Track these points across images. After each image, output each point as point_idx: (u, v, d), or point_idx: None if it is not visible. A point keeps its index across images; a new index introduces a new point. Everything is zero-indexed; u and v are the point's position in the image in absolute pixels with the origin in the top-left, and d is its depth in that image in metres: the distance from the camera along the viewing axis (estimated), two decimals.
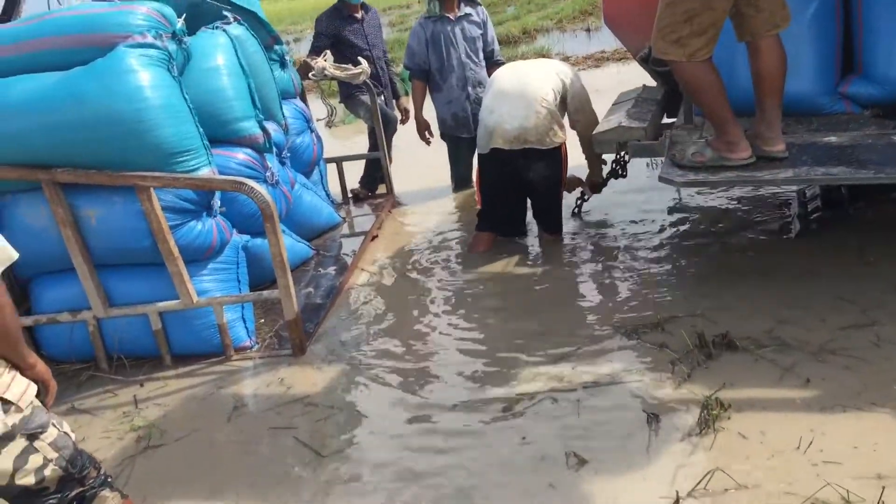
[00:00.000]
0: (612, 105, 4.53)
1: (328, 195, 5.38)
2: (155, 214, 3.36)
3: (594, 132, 4.10)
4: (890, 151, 3.34)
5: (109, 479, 2.34)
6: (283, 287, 3.42)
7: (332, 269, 4.43)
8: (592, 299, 3.68)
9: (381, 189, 5.73)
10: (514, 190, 4.37)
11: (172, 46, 3.58)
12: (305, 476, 2.63)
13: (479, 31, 5.42)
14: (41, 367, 2.20)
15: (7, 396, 2.04)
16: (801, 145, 3.56)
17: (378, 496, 2.47)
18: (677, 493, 2.21)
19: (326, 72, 5.14)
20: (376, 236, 4.91)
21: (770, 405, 2.59)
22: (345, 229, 5.16)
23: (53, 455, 2.11)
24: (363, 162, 5.80)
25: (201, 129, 3.55)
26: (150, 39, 3.45)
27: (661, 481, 2.30)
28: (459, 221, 5.05)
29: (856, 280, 3.34)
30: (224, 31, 4.10)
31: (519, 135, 4.17)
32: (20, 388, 2.08)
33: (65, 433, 2.17)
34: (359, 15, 5.60)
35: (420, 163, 6.05)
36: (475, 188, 4.65)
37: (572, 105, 4.36)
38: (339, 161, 5.61)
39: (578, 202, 4.80)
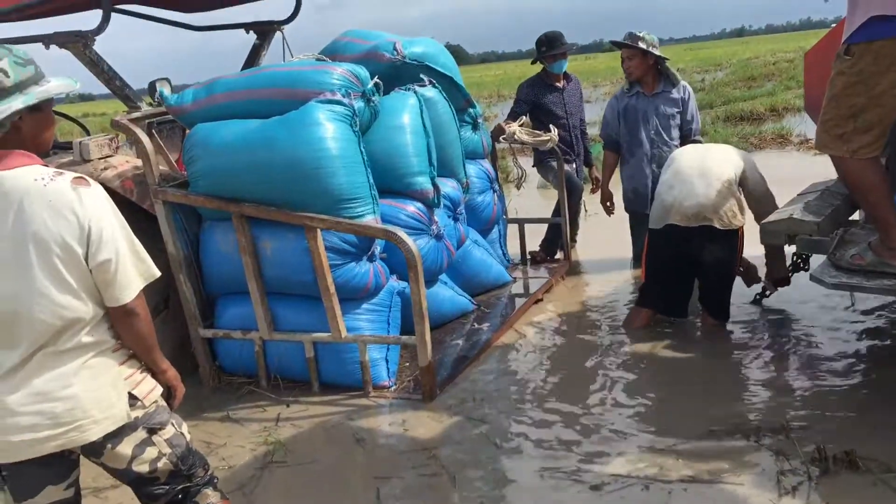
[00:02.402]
0: (797, 195, 4.33)
1: (505, 254, 5.56)
2: (318, 252, 3.71)
3: (763, 221, 3.95)
4: None
5: (215, 480, 2.64)
6: (419, 334, 3.63)
7: (486, 325, 4.57)
8: (729, 393, 3.53)
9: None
10: (681, 269, 4.31)
11: (360, 104, 3.96)
12: None
13: (676, 110, 5.36)
14: (171, 373, 2.53)
15: (135, 393, 2.38)
16: None
17: None
18: None
19: (516, 136, 5.38)
20: (541, 299, 5.01)
21: None
22: (516, 289, 5.29)
23: (167, 450, 2.42)
24: (546, 225, 5.93)
25: (371, 181, 3.88)
26: (339, 97, 3.86)
27: None
28: (629, 296, 5.02)
29: None
30: (415, 92, 4.44)
31: (698, 212, 4.13)
32: (147, 388, 2.41)
33: (181, 433, 2.48)
34: (560, 84, 5.80)
35: (607, 232, 6.06)
36: (642, 263, 4.62)
37: (751, 193, 4.26)
38: (521, 222, 5.79)
39: (759, 295, 4.63)
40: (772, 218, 3.95)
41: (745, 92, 18.60)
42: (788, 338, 4.10)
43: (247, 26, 5.67)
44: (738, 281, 4.50)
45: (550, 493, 2.83)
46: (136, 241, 2.28)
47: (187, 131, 4.68)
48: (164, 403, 2.48)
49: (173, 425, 2.45)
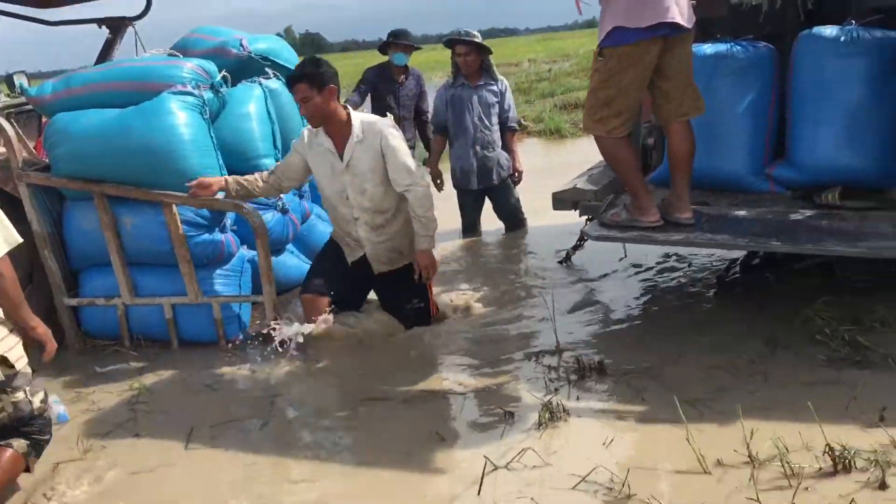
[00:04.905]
0: (587, 169, 5.19)
1: None
2: (175, 225, 4.25)
3: (554, 192, 4.72)
4: (775, 226, 3.91)
5: (42, 442, 3.02)
6: (266, 293, 4.26)
7: None
8: (521, 327, 4.36)
9: None
10: None
11: (209, 95, 4.49)
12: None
13: (496, 100, 6.14)
14: (42, 329, 2.97)
15: (7, 356, 2.82)
16: (712, 215, 4.16)
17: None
18: (494, 463, 2.86)
19: None
20: None
21: (604, 415, 3.24)
22: None
23: (10, 410, 2.86)
24: None
25: (221, 162, 4.45)
26: (189, 89, 4.39)
27: (494, 455, 2.93)
28: (461, 262, 5.81)
29: (740, 337, 3.86)
30: (261, 84, 5.02)
31: None
32: (18, 353, 2.88)
33: (29, 401, 2.90)
34: (399, 80, 6.44)
35: (446, 208, 6.77)
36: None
37: None
38: None
39: (567, 254, 5.49)
40: (561, 188, 4.78)
41: (585, 81, 19.90)
42: (574, 281, 5.03)
43: (100, 21, 6.04)
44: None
45: (385, 405, 3.54)
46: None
47: (44, 120, 5.07)
48: (29, 371, 2.91)
49: (25, 392, 2.89)
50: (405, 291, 4.31)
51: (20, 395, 2.87)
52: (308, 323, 4.10)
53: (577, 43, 44.93)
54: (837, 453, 2.63)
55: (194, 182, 4.14)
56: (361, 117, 4.12)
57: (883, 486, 2.55)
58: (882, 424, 2.85)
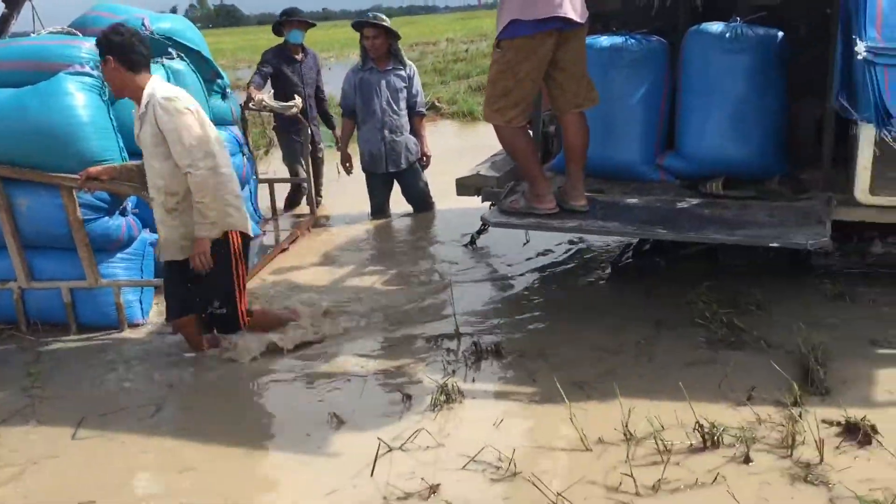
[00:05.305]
0: (491, 155, 5.32)
1: (256, 211, 6.19)
2: (73, 208, 4.19)
3: (458, 178, 4.84)
4: (662, 214, 4.12)
5: None
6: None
7: None
8: (420, 314, 4.44)
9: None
10: None
11: None
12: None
13: (404, 84, 6.22)
14: None
15: None
16: (606, 203, 4.34)
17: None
18: (388, 444, 2.97)
19: (264, 103, 6.03)
20: (286, 249, 5.72)
21: (497, 396, 3.40)
22: (266, 241, 5.96)
23: None
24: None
25: (122, 144, 4.39)
26: (87, 69, 4.31)
27: (389, 437, 3.04)
28: (368, 245, 5.88)
29: (630, 320, 4.07)
30: (163, 65, 4.95)
31: None
32: None
33: None
34: (298, 57, 6.50)
35: (355, 191, 6.83)
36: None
37: None
38: (270, 182, 6.46)
39: (473, 237, 5.61)
40: (465, 174, 4.90)
41: (483, 65, 20.04)
42: (477, 265, 5.20)
43: None
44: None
45: (268, 398, 3.61)
46: None
47: None
48: None
49: None
50: (204, 292, 3.93)
51: None
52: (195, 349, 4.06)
53: (495, 23, 45.34)
54: (707, 430, 2.83)
55: (82, 174, 4.06)
56: (152, 88, 3.78)
57: (747, 460, 2.76)
58: (749, 403, 3.07)
